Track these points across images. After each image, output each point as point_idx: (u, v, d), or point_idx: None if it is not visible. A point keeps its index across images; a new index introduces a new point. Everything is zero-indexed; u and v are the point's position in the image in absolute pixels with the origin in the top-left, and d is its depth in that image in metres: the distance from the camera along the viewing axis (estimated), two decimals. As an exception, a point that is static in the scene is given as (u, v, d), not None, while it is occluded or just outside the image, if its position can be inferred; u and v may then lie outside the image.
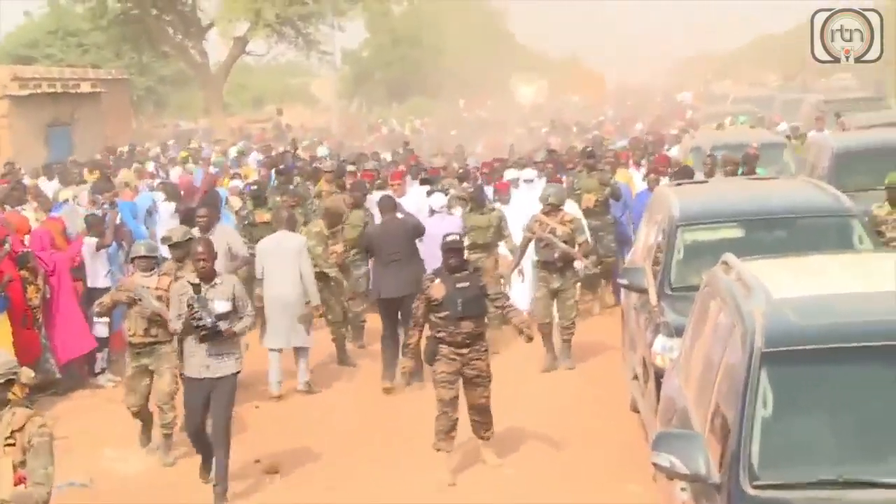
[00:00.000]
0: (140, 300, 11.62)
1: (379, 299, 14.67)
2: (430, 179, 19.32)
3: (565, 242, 14.31)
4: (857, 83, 47.46)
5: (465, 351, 10.98)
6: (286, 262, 14.26)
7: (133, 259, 12.26)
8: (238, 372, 10.97)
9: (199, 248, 10.83)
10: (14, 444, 7.19)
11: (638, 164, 21.13)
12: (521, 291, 15.71)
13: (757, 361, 6.39)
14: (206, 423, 11.04)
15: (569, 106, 55.31)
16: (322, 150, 32.40)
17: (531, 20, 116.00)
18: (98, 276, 15.37)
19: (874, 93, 36.46)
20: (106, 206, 16.94)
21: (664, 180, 17.56)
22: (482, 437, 11.34)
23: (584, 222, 16.48)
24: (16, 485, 7.15)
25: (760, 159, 19.10)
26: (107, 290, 13.76)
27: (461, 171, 21.34)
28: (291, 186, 20.11)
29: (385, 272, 14.47)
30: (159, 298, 11.63)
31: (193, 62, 49.73)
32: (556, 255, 14.35)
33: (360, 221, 16.26)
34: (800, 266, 7.94)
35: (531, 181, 18.35)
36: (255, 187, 18.53)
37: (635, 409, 11.96)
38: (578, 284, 15.61)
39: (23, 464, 7.17)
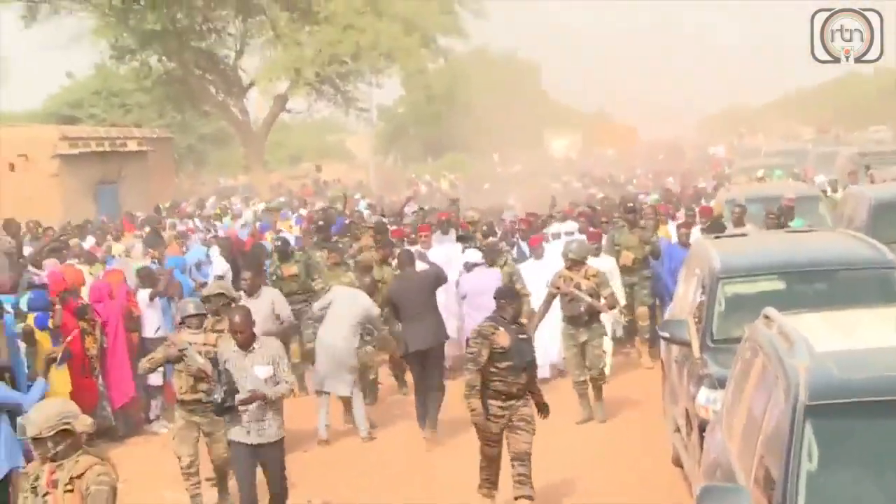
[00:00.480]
0: (185, 356, 11.70)
1: (407, 353, 14.63)
2: (465, 236, 19.39)
3: (590, 296, 14.32)
4: (893, 135, 47.42)
5: (513, 402, 10.93)
6: (351, 315, 14.50)
7: (183, 319, 12.31)
8: (282, 439, 10.93)
9: (237, 319, 10.75)
10: (72, 491, 7.37)
11: (673, 217, 21.17)
12: (544, 346, 15.70)
13: (801, 415, 6.41)
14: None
15: (601, 160, 55.44)
16: (362, 205, 32.55)
17: (562, 75, 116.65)
18: (152, 326, 15.89)
19: None
20: (155, 262, 17.69)
21: (695, 233, 17.61)
22: (526, 497, 11.02)
23: (617, 275, 16.75)
24: None
25: (796, 212, 19.11)
26: (161, 339, 14.02)
27: (485, 226, 21.22)
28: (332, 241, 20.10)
29: (409, 326, 14.42)
30: (206, 355, 11.66)
31: (234, 120, 50.41)
32: (581, 308, 14.40)
33: (389, 278, 16.23)
34: (841, 320, 7.94)
35: (572, 233, 18.38)
36: (280, 242, 18.69)
37: (677, 463, 11.90)
38: (607, 337, 15.65)
39: None
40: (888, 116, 65.00)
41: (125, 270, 16.85)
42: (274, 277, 17.60)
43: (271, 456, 10.81)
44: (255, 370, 10.60)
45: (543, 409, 11.15)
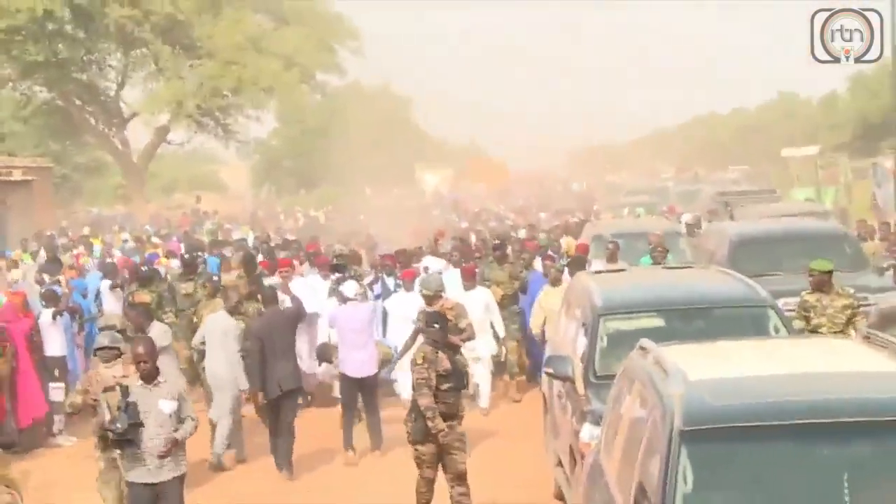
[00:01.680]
0: (97, 409, 11.15)
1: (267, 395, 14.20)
2: (340, 267, 19.19)
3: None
4: (745, 176, 48.61)
5: (453, 422, 11.02)
6: (227, 341, 14.42)
7: (96, 350, 12.05)
8: (183, 475, 10.54)
9: (140, 349, 10.37)
10: None
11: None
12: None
13: (677, 439, 6.59)
14: None
15: (473, 194, 55.73)
16: (237, 234, 32.43)
17: (434, 109, 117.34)
18: (54, 344, 16.23)
19: (764, 185, 37.35)
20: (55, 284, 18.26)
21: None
22: None
23: (495, 307, 16.75)
24: None
25: None
26: (61, 357, 14.63)
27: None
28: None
29: (272, 366, 14.06)
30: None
31: (115, 150, 50.39)
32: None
33: (253, 313, 15.78)
34: (714, 350, 8.16)
35: (440, 272, 17.78)
36: (146, 268, 18.61)
37: (559, 497, 11.98)
38: (484, 370, 15.92)
39: None
40: (745, 155, 66.73)
41: (27, 292, 17.25)
42: (126, 303, 17.29)
43: (169, 494, 10.40)
44: (160, 405, 10.27)
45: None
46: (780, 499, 6.51)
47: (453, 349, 11.18)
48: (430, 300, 14.40)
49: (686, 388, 6.98)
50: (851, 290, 13.55)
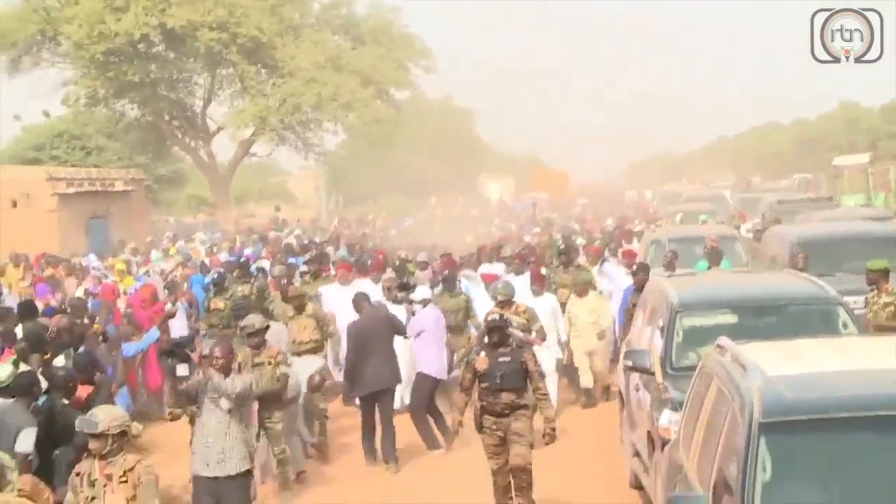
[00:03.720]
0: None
1: (363, 393, 14.07)
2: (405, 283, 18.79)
3: (522, 331, 13.89)
4: (800, 185, 48.01)
5: (504, 419, 11.03)
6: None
7: (248, 333, 12.54)
8: (248, 470, 10.50)
9: (217, 350, 10.71)
10: (126, 482, 8.18)
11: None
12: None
13: (756, 431, 6.61)
14: None
15: (538, 203, 55.41)
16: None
17: (496, 121, 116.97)
18: (177, 328, 17.69)
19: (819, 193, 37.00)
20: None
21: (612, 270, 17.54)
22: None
23: (560, 313, 16.47)
24: None
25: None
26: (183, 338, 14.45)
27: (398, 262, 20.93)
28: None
29: (373, 364, 13.89)
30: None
31: (202, 163, 51.69)
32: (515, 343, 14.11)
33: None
34: (789, 348, 8.14)
35: (499, 276, 17.91)
36: (216, 275, 18.72)
37: (636, 486, 12.01)
38: (551, 373, 15.48)
39: (133, 498, 8.18)
40: (802, 165, 65.62)
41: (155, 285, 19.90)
42: (202, 309, 17.63)
43: (231, 492, 10.32)
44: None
45: (549, 433, 11.14)
46: (856, 488, 6.50)
47: (505, 350, 11.13)
48: (503, 304, 14.33)
49: (764, 381, 6.99)
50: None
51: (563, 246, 20.33)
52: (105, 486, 8.18)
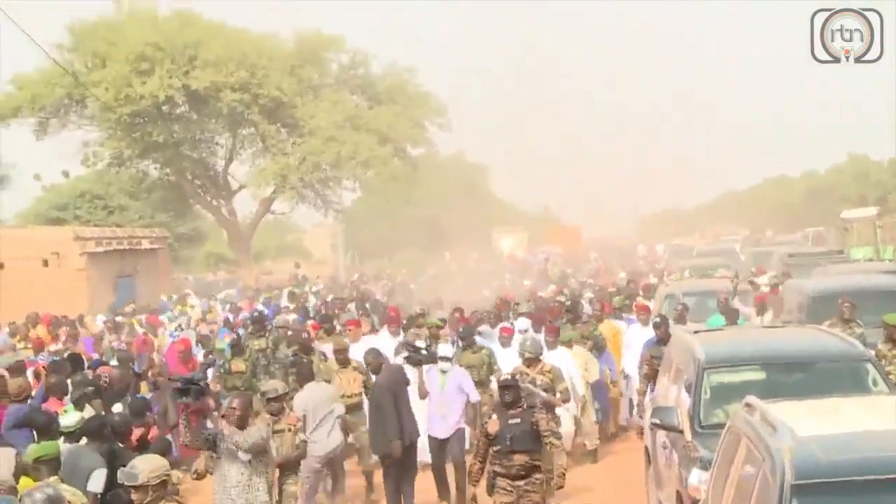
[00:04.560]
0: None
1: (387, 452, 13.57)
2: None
3: (545, 391, 13.62)
4: (808, 238, 47.68)
5: (520, 483, 10.74)
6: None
7: (269, 399, 12.33)
8: None
9: (234, 404, 10.72)
10: None
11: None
12: None
13: (788, 493, 6.37)
14: None
15: (552, 258, 55.11)
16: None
17: (508, 177, 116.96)
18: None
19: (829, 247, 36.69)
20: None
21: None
22: None
23: (574, 365, 16.03)
24: None
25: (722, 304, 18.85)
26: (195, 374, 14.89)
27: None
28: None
29: (405, 419, 13.53)
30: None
31: (224, 220, 52.00)
32: (538, 402, 12.96)
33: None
34: (819, 407, 7.90)
35: (526, 330, 17.67)
36: (234, 337, 18.42)
37: None
38: (565, 426, 15.14)
39: None
40: (811, 218, 64.98)
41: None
42: (221, 371, 17.20)
43: None
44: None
45: (559, 476, 10.93)
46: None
47: (517, 412, 10.83)
48: (531, 362, 14.06)
49: (795, 442, 6.75)
50: None
51: (570, 302, 19.92)
52: None
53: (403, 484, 13.70)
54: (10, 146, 77.38)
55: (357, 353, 15.59)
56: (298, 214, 58.21)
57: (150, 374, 16.93)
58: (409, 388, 14.07)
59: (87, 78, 44.85)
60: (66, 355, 17.56)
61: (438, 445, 14.26)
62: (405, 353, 14.84)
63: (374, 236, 71.00)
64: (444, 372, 14.52)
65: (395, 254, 66.82)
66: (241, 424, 10.49)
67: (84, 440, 10.81)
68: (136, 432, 12.02)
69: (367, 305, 27.05)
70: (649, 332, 16.69)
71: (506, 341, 17.04)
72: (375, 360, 14.30)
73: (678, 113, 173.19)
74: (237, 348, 17.44)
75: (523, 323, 18.50)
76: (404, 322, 19.16)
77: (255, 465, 10.31)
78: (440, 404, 14.21)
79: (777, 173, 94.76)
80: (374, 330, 19.53)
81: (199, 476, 10.73)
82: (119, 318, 26.73)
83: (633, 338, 18.12)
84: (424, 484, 14.23)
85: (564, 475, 11.01)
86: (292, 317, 23.78)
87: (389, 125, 48.16)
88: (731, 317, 17.73)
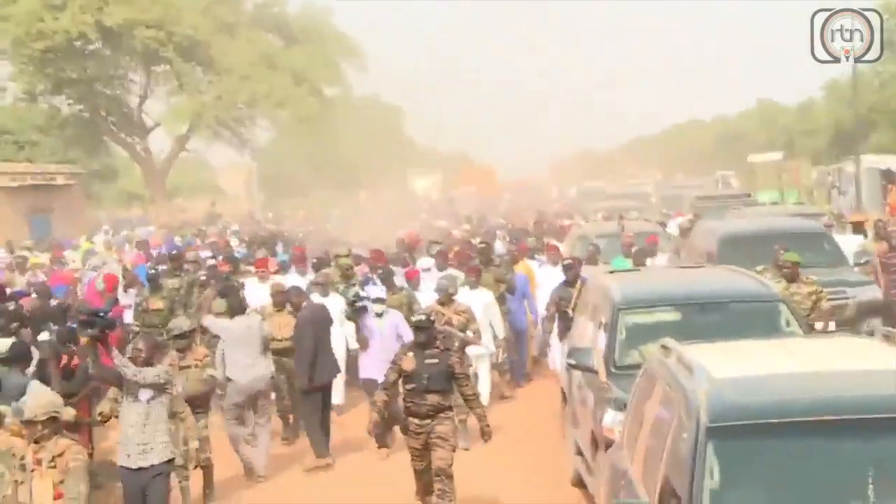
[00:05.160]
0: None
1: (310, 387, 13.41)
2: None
3: (461, 331, 13.59)
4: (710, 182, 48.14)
5: (428, 421, 10.51)
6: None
7: (175, 336, 12.14)
8: (169, 460, 9.98)
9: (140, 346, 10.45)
10: (55, 467, 8.15)
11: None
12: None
13: (703, 436, 6.20)
14: None
15: (466, 199, 54.76)
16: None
17: (423, 118, 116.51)
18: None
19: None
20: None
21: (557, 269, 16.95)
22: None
23: (496, 307, 15.80)
24: (55, 500, 8.15)
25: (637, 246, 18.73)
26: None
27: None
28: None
29: (318, 359, 13.38)
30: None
31: (139, 158, 51.32)
32: (455, 344, 12.61)
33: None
34: (735, 349, 7.72)
35: (428, 269, 17.40)
36: (153, 272, 17.74)
37: (577, 484, 11.53)
38: (484, 367, 15.20)
39: (61, 483, 8.14)
40: (721, 161, 65.51)
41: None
42: (139, 309, 16.76)
43: (154, 483, 9.82)
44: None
45: (485, 430, 10.69)
46: (806, 495, 6.10)
47: (433, 352, 10.58)
48: (448, 301, 13.88)
49: (711, 384, 6.56)
50: (814, 279, 13.55)
51: (483, 245, 19.54)
52: (33, 470, 8.16)
53: (322, 423, 13.49)
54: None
55: (265, 293, 15.36)
56: (212, 153, 57.82)
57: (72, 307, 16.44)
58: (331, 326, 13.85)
59: (-1, 11, 43.74)
60: None
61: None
62: (350, 304, 14.49)
63: (288, 175, 70.13)
64: (379, 315, 14.19)
65: (308, 193, 66.04)
66: (148, 365, 10.17)
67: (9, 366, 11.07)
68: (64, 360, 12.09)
69: (280, 245, 26.55)
70: (559, 274, 16.48)
71: (414, 284, 16.61)
72: (298, 299, 14.09)
73: (597, 57, 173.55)
74: (154, 283, 16.97)
75: (426, 262, 18.18)
76: (313, 262, 18.67)
77: (153, 404, 9.86)
78: (383, 349, 13.68)
79: (688, 118, 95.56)
80: (280, 270, 19.04)
81: (104, 418, 10.39)
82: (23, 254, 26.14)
83: (543, 279, 17.91)
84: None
85: (489, 427, 10.70)
86: (205, 253, 23.28)
87: (305, 65, 47.67)
88: (638, 260, 17.51)
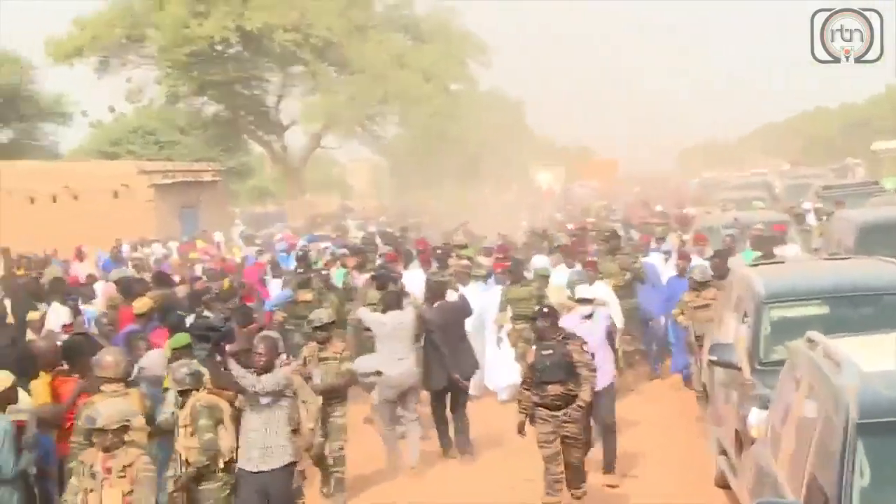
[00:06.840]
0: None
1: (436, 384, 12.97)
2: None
3: None
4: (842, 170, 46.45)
5: (557, 413, 10.12)
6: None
7: (315, 328, 11.84)
8: (293, 463, 9.56)
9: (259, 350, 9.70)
10: (125, 477, 7.95)
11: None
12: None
13: (853, 433, 5.78)
14: None
15: (586, 192, 53.84)
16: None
17: (545, 112, 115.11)
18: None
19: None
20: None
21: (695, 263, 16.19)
22: (573, 494, 10.34)
23: (615, 300, 15.01)
24: None
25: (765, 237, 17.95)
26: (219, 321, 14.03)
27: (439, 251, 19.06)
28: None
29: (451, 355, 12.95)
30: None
31: (276, 155, 52.37)
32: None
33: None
34: (886, 342, 7.20)
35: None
36: (302, 269, 17.53)
37: (720, 485, 10.92)
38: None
39: (130, 493, 7.93)
40: (849, 149, 63.14)
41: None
42: (289, 301, 16.32)
43: (276, 485, 9.41)
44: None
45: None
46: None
47: (550, 343, 10.17)
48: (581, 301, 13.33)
49: (860, 379, 6.11)
50: None
51: (608, 233, 18.97)
52: (104, 479, 7.98)
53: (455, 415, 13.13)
54: (74, 86, 77.54)
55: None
56: (341, 149, 58.17)
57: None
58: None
59: (146, 19, 44.88)
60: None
61: None
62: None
63: (416, 170, 70.13)
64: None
65: (434, 188, 65.97)
66: (268, 368, 9.59)
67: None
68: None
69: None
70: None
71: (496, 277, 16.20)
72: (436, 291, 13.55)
73: (723, 44, 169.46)
74: (304, 271, 16.85)
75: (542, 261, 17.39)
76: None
77: (274, 408, 9.49)
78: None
79: (814, 106, 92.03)
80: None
81: (158, 432, 9.79)
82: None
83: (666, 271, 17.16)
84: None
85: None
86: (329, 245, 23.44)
87: (433, 63, 47.85)
88: (765, 247, 16.57)
